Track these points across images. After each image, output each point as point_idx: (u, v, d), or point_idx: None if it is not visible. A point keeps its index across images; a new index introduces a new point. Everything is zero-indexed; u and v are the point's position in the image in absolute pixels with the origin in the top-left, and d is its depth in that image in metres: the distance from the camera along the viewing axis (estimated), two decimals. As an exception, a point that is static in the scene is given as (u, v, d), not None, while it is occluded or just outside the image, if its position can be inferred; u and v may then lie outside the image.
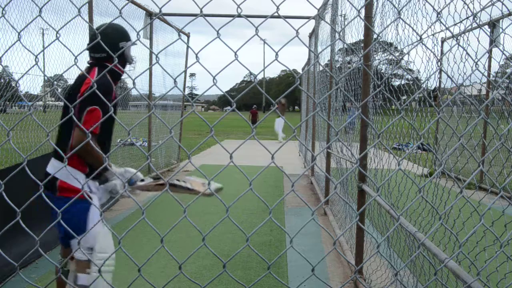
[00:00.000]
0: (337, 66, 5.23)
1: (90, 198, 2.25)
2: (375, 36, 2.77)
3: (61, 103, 7.26)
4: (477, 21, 1.45)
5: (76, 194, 2.20)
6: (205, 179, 2.45)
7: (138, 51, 6.89)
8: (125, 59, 2.45)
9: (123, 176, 2.40)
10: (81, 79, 2.30)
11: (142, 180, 2.43)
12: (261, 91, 1.16)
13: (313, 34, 7.51)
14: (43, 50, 1.42)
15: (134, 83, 1.16)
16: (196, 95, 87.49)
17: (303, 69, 11.65)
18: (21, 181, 2.17)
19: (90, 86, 2.19)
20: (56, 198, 2.19)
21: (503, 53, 1.91)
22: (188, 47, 8.97)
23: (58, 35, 1.09)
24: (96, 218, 2.29)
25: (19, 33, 1.10)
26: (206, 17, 1.11)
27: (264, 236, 4.37)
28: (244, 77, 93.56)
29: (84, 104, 2.14)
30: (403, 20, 1.50)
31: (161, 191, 2.34)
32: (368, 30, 2.99)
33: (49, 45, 1.16)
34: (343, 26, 4.48)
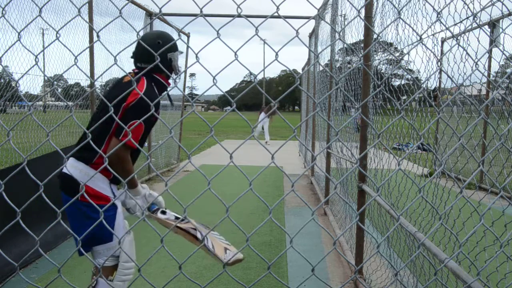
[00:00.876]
0: (337, 66, 5.23)
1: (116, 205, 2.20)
2: (375, 36, 2.77)
3: (61, 103, 7.27)
4: (477, 21, 1.45)
5: (101, 201, 2.12)
6: (228, 243, 2.25)
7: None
8: (172, 70, 2.32)
9: (145, 199, 2.31)
10: (126, 86, 2.16)
11: (164, 212, 2.31)
12: (261, 91, 1.16)
13: (313, 34, 7.51)
14: (43, 50, 1.42)
15: (134, 83, 1.16)
16: (196, 95, 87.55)
17: (303, 69, 11.65)
18: (21, 181, 2.17)
19: (138, 100, 2.06)
20: (77, 203, 2.06)
21: (503, 53, 1.91)
22: (188, 47, 8.98)
23: (58, 35, 1.09)
24: (122, 225, 2.23)
25: (19, 33, 1.10)
26: (206, 17, 1.11)
27: (264, 236, 4.37)
28: (244, 77, 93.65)
29: (129, 115, 2.05)
30: (403, 20, 1.50)
31: (179, 234, 2.20)
32: (368, 30, 2.99)
33: (49, 45, 1.16)
34: (343, 26, 4.48)
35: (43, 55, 4.69)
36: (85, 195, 1.17)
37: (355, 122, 4.13)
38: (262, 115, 15.46)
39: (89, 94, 5.53)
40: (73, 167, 2.14)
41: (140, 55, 2.20)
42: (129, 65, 6.51)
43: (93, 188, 2.11)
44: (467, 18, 1.84)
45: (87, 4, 4.96)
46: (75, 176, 2.11)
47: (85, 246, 2.12)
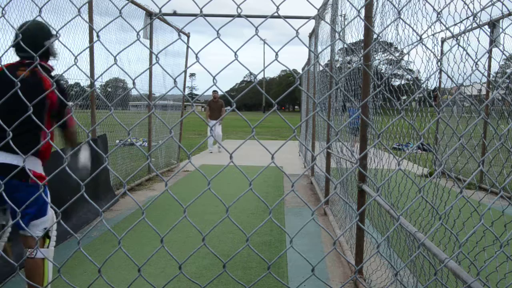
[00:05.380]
0: (337, 66, 5.23)
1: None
2: (375, 36, 2.77)
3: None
4: (477, 21, 1.45)
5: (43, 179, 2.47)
6: None
7: (138, 51, 6.90)
8: (50, 55, 2.61)
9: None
10: (31, 79, 2.37)
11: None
12: (261, 91, 1.16)
13: (313, 34, 7.51)
14: (43, 50, 1.42)
15: (134, 83, 1.16)
16: (196, 95, 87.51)
17: (303, 69, 11.64)
18: (21, 181, 2.17)
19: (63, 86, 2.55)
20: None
21: (503, 53, 1.91)
22: (188, 47, 8.98)
23: (58, 35, 1.09)
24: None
25: (19, 33, 1.10)
26: (206, 17, 1.11)
27: (264, 236, 4.37)
28: (244, 77, 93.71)
29: (64, 102, 2.44)
30: (403, 20, 1.50)
31: None
32: (368, 30, 2.99)
33: (49, 45, 1.16)
34: (343, 26, 4.48)
35: (43, 55, 4.69)
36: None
37: (357, 122, 4.13)
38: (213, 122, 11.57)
39: (89, 94, 5.53)
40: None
41: (19, 46, 2.39)
42: (129, 65, 6.51)
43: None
44: (467, 18, 1.84)
45: (87, 4, 4.96)
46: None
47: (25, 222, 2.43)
